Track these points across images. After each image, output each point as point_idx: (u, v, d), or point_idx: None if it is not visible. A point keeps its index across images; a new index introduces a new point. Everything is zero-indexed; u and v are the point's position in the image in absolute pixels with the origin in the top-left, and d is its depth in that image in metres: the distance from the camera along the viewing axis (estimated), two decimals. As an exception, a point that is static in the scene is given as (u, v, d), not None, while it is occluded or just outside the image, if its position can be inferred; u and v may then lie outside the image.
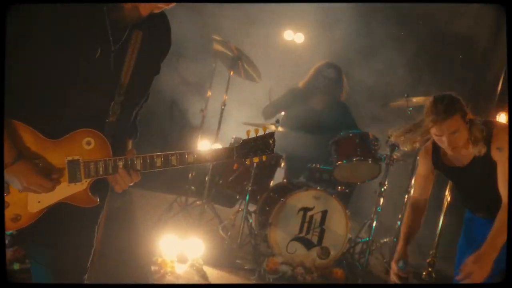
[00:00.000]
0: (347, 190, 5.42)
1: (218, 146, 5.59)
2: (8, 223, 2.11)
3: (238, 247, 4.91)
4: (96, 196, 2.21)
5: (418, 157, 3.82)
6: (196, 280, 4.28)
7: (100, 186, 2.23)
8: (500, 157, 3.10)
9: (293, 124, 5.69)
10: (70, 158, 2.13)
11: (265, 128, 2.39)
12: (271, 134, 2.38)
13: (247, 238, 4.99)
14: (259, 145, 2.37)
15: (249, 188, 4.95)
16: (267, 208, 4.96)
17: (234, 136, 5.24)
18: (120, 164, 2.17)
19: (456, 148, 3.12)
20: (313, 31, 7.30)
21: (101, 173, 2.17)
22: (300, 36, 7.57)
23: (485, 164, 3.14)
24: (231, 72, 5.31)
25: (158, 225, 5.10)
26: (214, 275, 4.44)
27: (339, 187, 5.38)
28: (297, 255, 4.76)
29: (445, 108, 3.05)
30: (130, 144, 2.40)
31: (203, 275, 4.34)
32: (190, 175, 5.68)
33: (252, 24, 6.89)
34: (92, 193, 2.19)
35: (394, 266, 3.28)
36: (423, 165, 3.44)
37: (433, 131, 3.11)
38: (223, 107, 5.36)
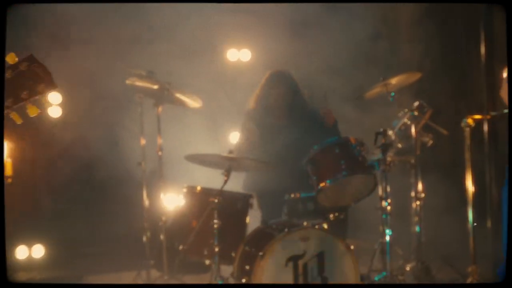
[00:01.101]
0: (341, 216, 4.23)
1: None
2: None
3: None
4: None
5: None
6: None
7: None
8: None
9: (258, 153, 4.52)
10: None
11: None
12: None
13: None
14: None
15: (216, 249, 3.75)
16: (247, 268, 3.75)
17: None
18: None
19: None
20: (258, 43, 6.58)
21: None
22: (246, 53, 6.77)
23: None
24: (159, 109, 4.18)
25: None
26: None
27: (332, 215, 4.19)
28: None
29: None
30: None
31: None
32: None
33: (190, 56, 6.17)
34: None
35: None
36: None
37: None
38: (160, 153, 4.20)
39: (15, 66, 1.88)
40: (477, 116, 3.88)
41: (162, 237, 4.21)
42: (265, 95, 4.78)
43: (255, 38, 6.60)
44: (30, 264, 5.93)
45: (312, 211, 4.12)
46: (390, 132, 3.90)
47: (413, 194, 4.35)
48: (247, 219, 4.21)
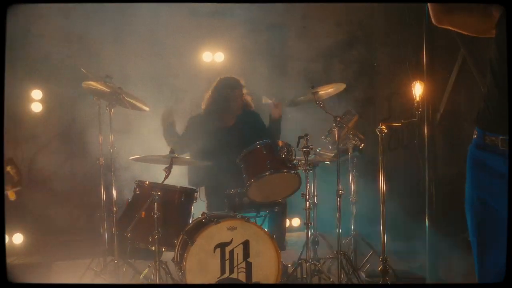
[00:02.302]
0: (276, 210, 4.73)
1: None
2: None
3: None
4: None
5: None
6: None
7: None
8: None
9: (207, 152, 5.01)
10: None
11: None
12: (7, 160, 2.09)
13: (170, 292, 4.27)
14: None
15: (156, 236, 4.24)
16: (181, 253, 4.24)
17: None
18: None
19: None
20: (231, 47, 7.18)
21: None
22: (220, 55, 7.36)
23: None
24: (111, 111, 4.65)
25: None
26: None
27: (267, 209, 4.69)
28: (226, 300, 4.05)
29: None
30: None
31: None
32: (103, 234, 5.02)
33: (172, 56, 6.96)
34: None
35: None
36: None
37: None
38: (111, 150, 4.69)
39: None
40: (392, 123, 4.33)
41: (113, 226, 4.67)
42: (215, 99, 5.27)
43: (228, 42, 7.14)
44: (10, 250, 6.46)
45: (247, 204, 4.63)
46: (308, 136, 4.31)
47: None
48: (191, 211, 4.71)
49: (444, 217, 5.95)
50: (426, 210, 5.95)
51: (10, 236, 6.54)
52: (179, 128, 5.40)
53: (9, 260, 6.18)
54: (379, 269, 4.25)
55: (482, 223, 2.63)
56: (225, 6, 7.01)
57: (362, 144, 4.86)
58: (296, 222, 6.91)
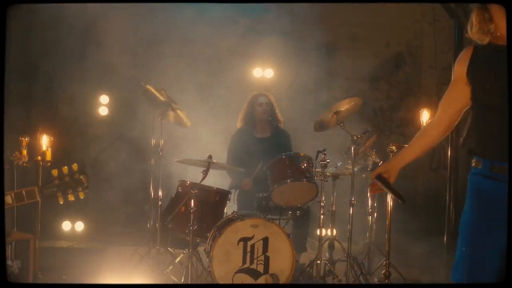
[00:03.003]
0: (297, 214, 5.38)
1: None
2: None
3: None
4: None
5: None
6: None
7: None
8: None
9: (244, 159, 5.76)
10: None
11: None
12: (81, 170, 2.43)
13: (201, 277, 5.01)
14: (69, 182, 2.43)
15: (192, 228, 4.96)
16: (211, 243, 4.96)
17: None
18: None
19: None
20: (281, 64, 7.88)
21: None
22: (270, 72, 7.96)
23: None
24: (161, 120, 5.44)
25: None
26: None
27: (290, 213, 5.35)
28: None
29: None
30: None
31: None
32: (148, 225, 5.82)
33: (224, 71, 7.67)
34: None
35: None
36: (456, 68, 2.91)
37: None
38: (160, 153, 5.48)
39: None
40: (402, 145, 4.90)
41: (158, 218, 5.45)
42: (249, 113, 5.99)
43: (278, 60, 7.85)
44: (72, 235, 7.41)
45: (272, 207, 5.32)
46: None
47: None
48: (225, 209, 5.41)
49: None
50: (445, 227, 6.45)
51: (73, 224, 7.48)
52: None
53: (71, 244, 7.12)
54: (382, 272, 4.82)
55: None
56: (276, 25, 7.69)
57: (381, 162, 5.41)
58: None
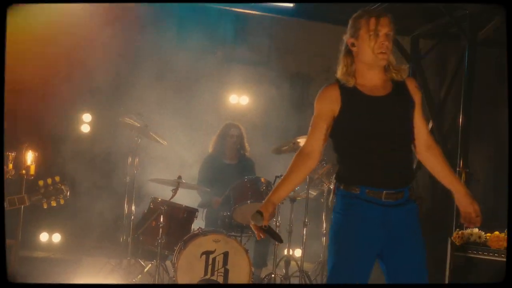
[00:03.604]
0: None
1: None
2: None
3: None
4: None
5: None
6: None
7: None
8: (419, 97, 3.07)
9: (213, 181, 6.34)
10: None
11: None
12: (62, 181, 2.94)
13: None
14: (52, 191, 2.94)
15: (160, 241, 5.46)
16: (177, 255, 5.45)
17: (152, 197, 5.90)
18: None
19: (386, 54, 2.94)
20: (255, 92, 8.43)
21: None
22: (245, 99, 8.46)
23: (404, 97, 3.02)
24: (139, 140, 5.96)
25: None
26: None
27: (250, 232, 5.86)
28: (205, 296, 5.22)
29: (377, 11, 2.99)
30: None
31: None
32: (121, 239, 6.30)
33: (201, 96, 8.09)
34: None
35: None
36: (318, 107, 3.17)
37: (370, 26, 2.91)
38: (135, 171, 6.00)
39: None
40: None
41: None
42: (220, 141, 6.57)
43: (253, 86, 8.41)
44: (49, 246, 7.81)
45: (234, 225, 5.85)
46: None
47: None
48: (192, 226, 5.91)
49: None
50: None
51: (51, 235, 7.88)
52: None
53: (48, 254, 7.53)
54: None
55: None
56: (253, 55, 8.22)
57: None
58: (298, 252, 7.60)
